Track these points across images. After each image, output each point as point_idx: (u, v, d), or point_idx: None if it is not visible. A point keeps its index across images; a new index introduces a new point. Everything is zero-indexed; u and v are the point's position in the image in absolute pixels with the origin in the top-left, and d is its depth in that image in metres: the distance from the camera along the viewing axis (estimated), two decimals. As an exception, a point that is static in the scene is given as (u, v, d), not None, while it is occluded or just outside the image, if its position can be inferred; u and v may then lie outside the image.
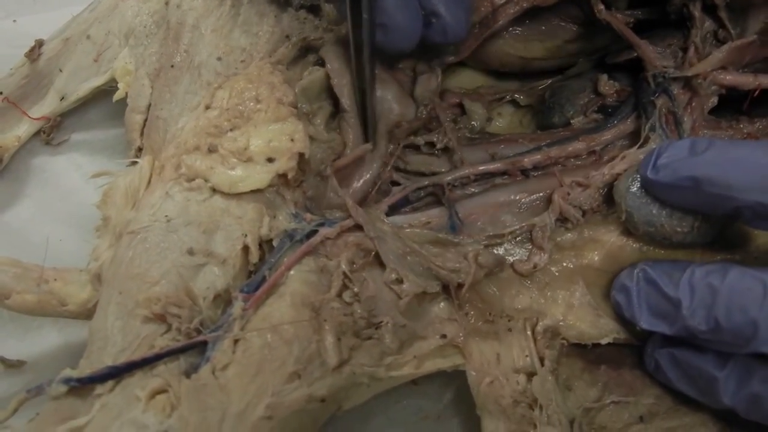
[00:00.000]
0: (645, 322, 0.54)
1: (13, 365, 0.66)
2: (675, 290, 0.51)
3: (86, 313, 0.58)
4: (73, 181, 0.75)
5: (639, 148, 0.60)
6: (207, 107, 0.60)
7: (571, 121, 0.66)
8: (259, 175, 0.56)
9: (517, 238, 0.58)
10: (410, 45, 0.58)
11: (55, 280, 0.59)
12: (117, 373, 0.48)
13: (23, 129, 0.72)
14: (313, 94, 0.61)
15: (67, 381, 0.49)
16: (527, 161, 0.61)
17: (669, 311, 0.52)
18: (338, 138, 0.61)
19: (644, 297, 0.54)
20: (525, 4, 0.64)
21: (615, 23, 0.63)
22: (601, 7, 0.63)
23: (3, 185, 0.73)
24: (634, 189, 0.56)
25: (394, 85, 0.62)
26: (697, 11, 0.62)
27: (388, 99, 0.62)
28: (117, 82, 0.69)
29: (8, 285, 0.58)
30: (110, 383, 0.48)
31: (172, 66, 0.65)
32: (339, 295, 0.52)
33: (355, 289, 0.52)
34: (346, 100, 0.60)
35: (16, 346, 0.67)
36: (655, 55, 0.63)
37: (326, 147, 0.60)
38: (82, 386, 0.49)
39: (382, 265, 0.54)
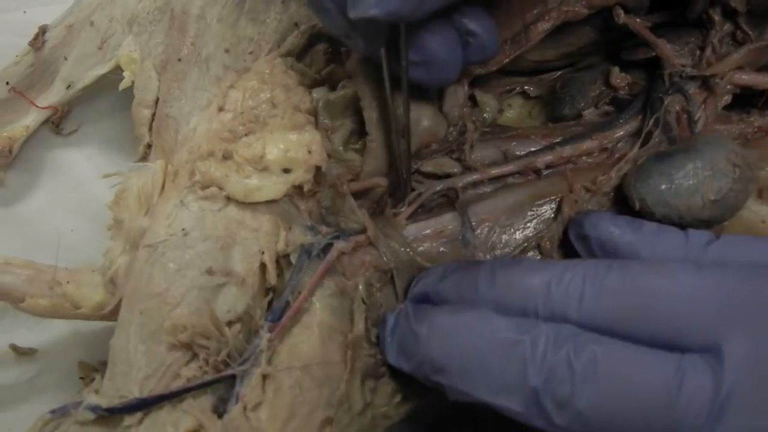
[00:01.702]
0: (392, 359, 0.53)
1: (25, 353, 0.68)
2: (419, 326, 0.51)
3: (100, 316, 0.59)
4: (83, 171, 0.75)
5: (642, 144, 0.61)
6: (220, 109, 0.60)
7: (583, 113, 0.66)
8: (275, 186, 0.56)
9: (528, 253, 0.59)
10: (455, 76, 0.56)
11: (68, 282, 0.60)
12: (145, 406, 0.49)
13: (31, 118, 0.71)
14: (338, 111, 0.60)
15: (95, 409, 0.50)
16: (540, 162, 0.61)
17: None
18: (357, 159, 0.60)
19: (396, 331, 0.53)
20: (556, 21, 0.63)
21: (634, 26, 0.62)
22: (620, 11, 0.62)
23: (13, 176, 0.73)
24: (641, 177, 0.57)
25: (428, 102, 0.61)
26: (717, 15, 0.62)
27: (421, 118, 0.60)
28: (123, 70, 0.69)
29: (21, 288, 0.59)
30: (139, 415, 0.49)
31: (179, 59, 0.64)
32: (367, 330, 0.53)
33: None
34: (374, 126, 0.59)
35: (28, 334, 0.69)
36: (673, 54, 0.62)
37: (343, 165, 0.60)
38: (110, 416, 0.50)
39: (397, 285, 0.55)
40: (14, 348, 0.67)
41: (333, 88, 0.63)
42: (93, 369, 0.64)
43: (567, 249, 0.59)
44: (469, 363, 0.48)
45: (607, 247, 0.54)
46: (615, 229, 0.54)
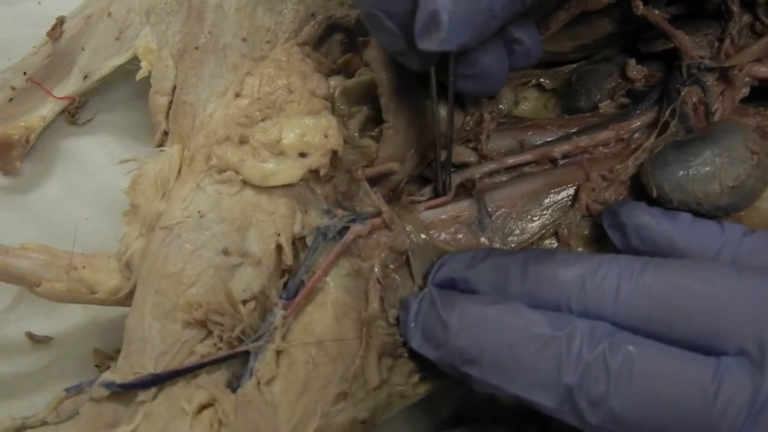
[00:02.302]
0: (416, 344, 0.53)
1: (41, 341, 0.67)
2: (448, 315, 0.51)
3: (115, 301, 0.59)
4: (98, 160, 0.75)
5: (659, 134, 0.60)
6: (237, 95, 0.60)
7: (599, 106, 0.66)
8: (291, 170, 0.56)
9: (545, 240, 0.59)
10: (501, 85, 0.57)
11: (84, 267, 0.59)
12: (160, 381, 0.49)
13: (48, 108, 0.72)
14: (355, 97, 0.60)
15: (109, 385, 0.50)
16: (556, 151, 0.61)
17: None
18: (373, 145, 0.60)
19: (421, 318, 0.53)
20: (576, 10, 0.63)
21: (652, 17, 0.62)
22: (639, 2, 0.62)
23: (29, 165, 0.73)
24: (658, 164, 0.57)
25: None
26: (735, 7, 0.61)
27: (438, 107, 0.59)
28: (140, 61, 0.69)
29: (38, 272, 0.59)
30: (153, 390, 0.49)
31: (197, 48, 0.64)
32: (383, 311, 0.53)
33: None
34: (391, 113, 0.58)
35: (44, 322, 0.68)
36: (692, 45, 0.62)
37: (359, 151, 0.59)
38: (125, 392, 0.50)
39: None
40: (30, 336, 0.67)
41: (349, 76, 0.63)
42: (108, 357, 0.64)
43: (584, 237, 0.59)
44: (501, 356, 0.48)
45: (643, 236, 0.53)
46: (651, 219, 0.54)
